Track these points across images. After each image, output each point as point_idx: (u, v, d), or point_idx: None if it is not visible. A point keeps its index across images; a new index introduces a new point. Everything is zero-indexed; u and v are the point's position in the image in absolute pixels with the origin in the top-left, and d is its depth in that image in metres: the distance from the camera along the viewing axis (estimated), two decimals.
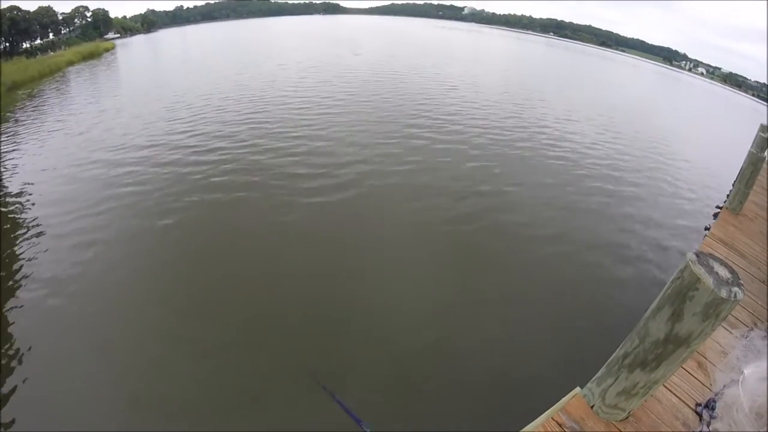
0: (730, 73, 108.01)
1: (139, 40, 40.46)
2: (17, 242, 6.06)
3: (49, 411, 3.63)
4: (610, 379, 2.14)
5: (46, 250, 5.88)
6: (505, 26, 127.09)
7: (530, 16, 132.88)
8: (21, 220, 6.69)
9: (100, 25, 43.87)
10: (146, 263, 5.68)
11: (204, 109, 12.95)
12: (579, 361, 3.96)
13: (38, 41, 35.03)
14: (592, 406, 2.27)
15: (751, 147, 6.14)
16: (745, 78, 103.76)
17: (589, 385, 2.33)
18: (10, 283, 5.22)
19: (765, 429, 2.25)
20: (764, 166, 6.78)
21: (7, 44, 28.53)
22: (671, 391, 2.57)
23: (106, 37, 41.97)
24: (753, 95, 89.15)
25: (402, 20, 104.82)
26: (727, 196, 6.52)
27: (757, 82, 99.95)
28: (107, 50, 31.59)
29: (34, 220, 6.67)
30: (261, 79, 17.61)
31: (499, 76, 26.14)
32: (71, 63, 25.14)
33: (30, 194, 7.56)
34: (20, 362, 4.12)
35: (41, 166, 8.81)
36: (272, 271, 5.58)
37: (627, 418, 2.26)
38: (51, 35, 37.67)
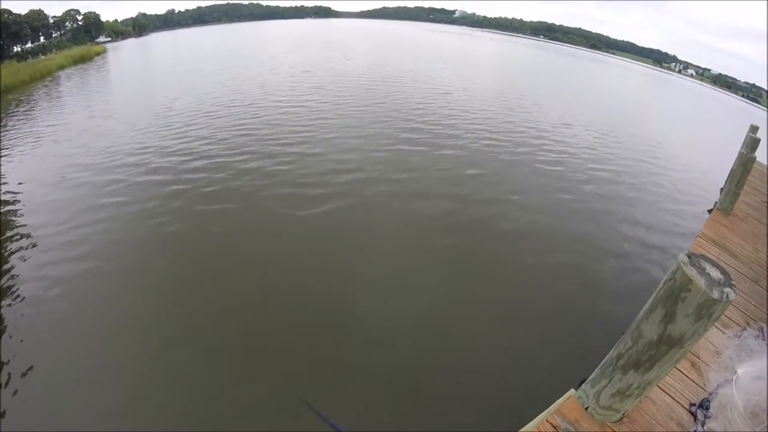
0: (720, 74, 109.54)
1: (130, 43, 40.24)
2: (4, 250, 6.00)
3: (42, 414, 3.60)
4: (604, 380, 2.15)
5: (35, 258, 5.81)
6: (496, 29, 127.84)
7: (521, 19, 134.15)
8: (9, 228, 6.60)
9: (92, 28, 43.55)
10: (138, 270, 5.62)
11: (195, 115, 12.74)
12: (573, 362, 3.98)
13: (29, 45, 34.72)
14: (586, 408, 2.26)
15: (741, 148, 6.21)
16: (735, 79, 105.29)
17: (583, 386, 2.33)
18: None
19: (759, 428, 2.26)
20: (756, 167, 6.86)
21: None
22: (665, 392, 2.57)
23: (97, 40, 41.69)
24: (743, 96, 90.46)
25: (393, 24, 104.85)
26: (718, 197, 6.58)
27: (747, 83, 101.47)
28: (98, 54, 31.35)
29: (21, 227, 6.59)
30: (253, 85, 17.44)
31: (493, 80, 26.02)
32: (62, 67, 24.90)
33: (17, 203, 7.45)
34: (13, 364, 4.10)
35: (29, 175, 8.66)
36: (268, 276, 5.55)
37: (621, 419, 2.25)
38: (42, 39, 37.35)
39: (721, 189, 6.64)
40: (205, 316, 4.81)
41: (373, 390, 3.98)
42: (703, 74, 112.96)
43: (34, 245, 6.09)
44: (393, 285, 5.53)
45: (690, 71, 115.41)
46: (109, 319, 4.77)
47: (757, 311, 3.83)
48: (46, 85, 19.57)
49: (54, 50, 33.48)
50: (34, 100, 16.33)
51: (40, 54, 31.99)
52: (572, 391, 2.37)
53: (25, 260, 5.75)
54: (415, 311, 5.08)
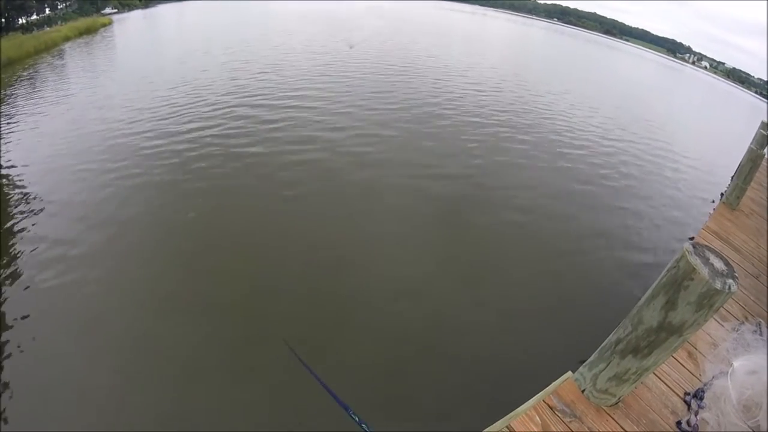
0: (734, 68, 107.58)
1: (136, 15, 39.37)
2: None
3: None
4: (602, 364, 2.19)
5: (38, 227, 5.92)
6: (509, 10, 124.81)
7: (534, 0, 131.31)
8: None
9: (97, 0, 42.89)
10: (140, 241, 5.71)
11: (201, 97, 12.29)
12: (571, 345, 4.05)
13: (34, 17, 34.25)
14: (583, 391, 2.31)
15: (751, 143, 6.16)
16: (749, 74, 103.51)
17: (580, 369, 2.37)
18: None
19: (751, 422, 2.31)
20: (763, 163, 6.81)
21: (3, 20, 27.88)
22: (661, 379, 2.62)
23: (103, 12, 41.05)
24: (756, 92, 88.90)
25: (402, 1, 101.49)
26: (724, 191, 6.56)
27: (761, 79, 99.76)
28: (104, 26, 30.85)
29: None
30: (258, 68, 16.34)
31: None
32: (67, 38, 24.57)
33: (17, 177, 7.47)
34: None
35: (37, 153, 8.61)
36: (265, 246, 5.70)
37: (617, 403, 2.30)
38: (47, 10, 36.82)
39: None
40: (203, 283, 4.98)
41: (368, 358, 4.10)
42: (717, 67, 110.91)
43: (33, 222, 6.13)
44: (392, 261, 5.64)
45: (704, 63, 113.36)
46: (108, 284, 4.92)
47: (756, 306, 3.85)
48: (44, 62, 19.20)
49: (59, 22, 33.00)
50: (36, 73, 16.09)
51: (45, 26, 31.55)
52: (569, 373, 2.42)
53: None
54: (413, 280, 5.21)
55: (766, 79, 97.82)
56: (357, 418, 1.81)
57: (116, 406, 3.55)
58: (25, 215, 6.23)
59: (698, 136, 18.13)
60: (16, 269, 5.09)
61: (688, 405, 2.48)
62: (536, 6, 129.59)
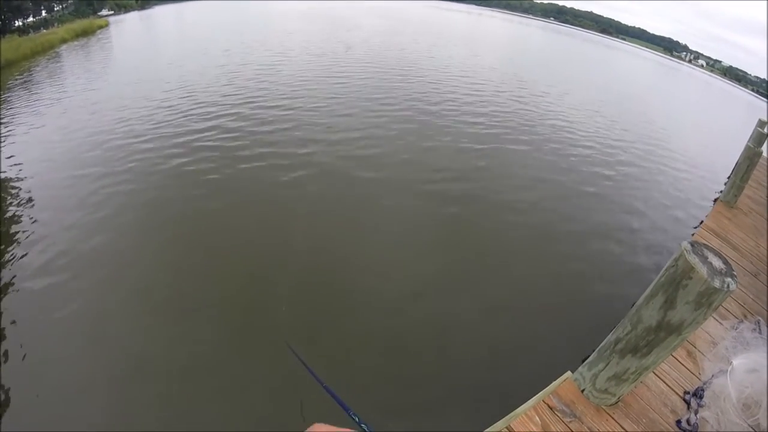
0: (730, 66, 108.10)
1: (132, 17, 39.30)
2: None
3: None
4: (601, 363, 2.18)
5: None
6: (504, 9, 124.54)
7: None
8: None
9: (94, 1, 42.79)
10: (136, 247, 5.66)
11: (199, 101, 12.12)
12: (570, 345, 4.05)
13: (31, 19, 34.17)
14: (582, 390, 2.31)
15: (748, 141, 6.18)
16: (745, 72, 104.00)
17: (580, 369, 2.37)
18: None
19: (751, 420, 2.31)
20: (761, 161, 6.83)
21: (0, 22, 27.81)
22: (660, 378, 2.62)
23: (99, 14, 41.00)
24: (753, 90, 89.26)
25: (401, 2, 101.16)
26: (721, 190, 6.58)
27: (757, 77, 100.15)
28: (101, 27, 30.80)
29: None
30: (256, 71, 15.79)
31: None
32: (64, 40, 24.53)
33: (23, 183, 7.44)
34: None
35: (29, 159, 8.55)
36: (267, 247, 5.66)
37: (616, 403, 2.30)
38: (44, 12, 36.75)
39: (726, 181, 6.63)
40: (205, 275, 5.06)
41: (367, 358, 4.08)
42: (714, 65, 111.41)
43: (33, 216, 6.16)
44: (391, 261, 5.61)
45: (701, 62, 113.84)
46: (110, 280, 4.91)
47: (755, 305, 3.86)
48: (48, 59, 19.24)
49: (56, 24, 32.96)
50: (32, 76, 15.99)
51: (42, 28, 31.48)
52: (569, 373, 2.42)
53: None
54: (414, 282, 5.18)
55: (765, 77, 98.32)
56: (357, 418, 1.79)
57: (116, 407, 3.55)
58: (17, 226, 6.13)
59: (697, 136, 18.13)
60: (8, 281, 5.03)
61: (688, 404, 2.48)
62: (532, 5, 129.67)
